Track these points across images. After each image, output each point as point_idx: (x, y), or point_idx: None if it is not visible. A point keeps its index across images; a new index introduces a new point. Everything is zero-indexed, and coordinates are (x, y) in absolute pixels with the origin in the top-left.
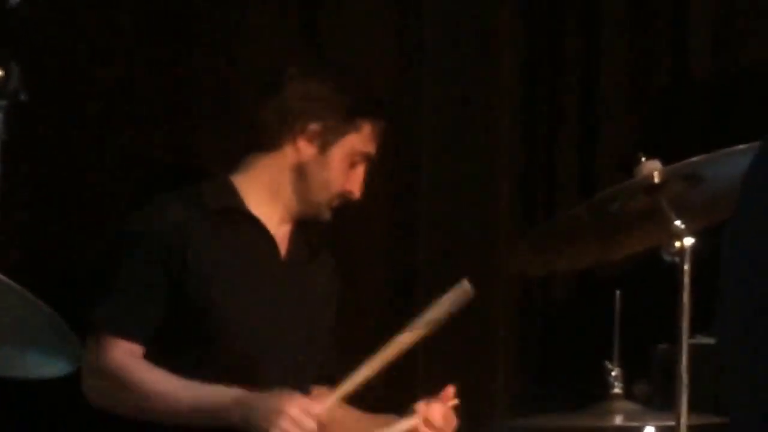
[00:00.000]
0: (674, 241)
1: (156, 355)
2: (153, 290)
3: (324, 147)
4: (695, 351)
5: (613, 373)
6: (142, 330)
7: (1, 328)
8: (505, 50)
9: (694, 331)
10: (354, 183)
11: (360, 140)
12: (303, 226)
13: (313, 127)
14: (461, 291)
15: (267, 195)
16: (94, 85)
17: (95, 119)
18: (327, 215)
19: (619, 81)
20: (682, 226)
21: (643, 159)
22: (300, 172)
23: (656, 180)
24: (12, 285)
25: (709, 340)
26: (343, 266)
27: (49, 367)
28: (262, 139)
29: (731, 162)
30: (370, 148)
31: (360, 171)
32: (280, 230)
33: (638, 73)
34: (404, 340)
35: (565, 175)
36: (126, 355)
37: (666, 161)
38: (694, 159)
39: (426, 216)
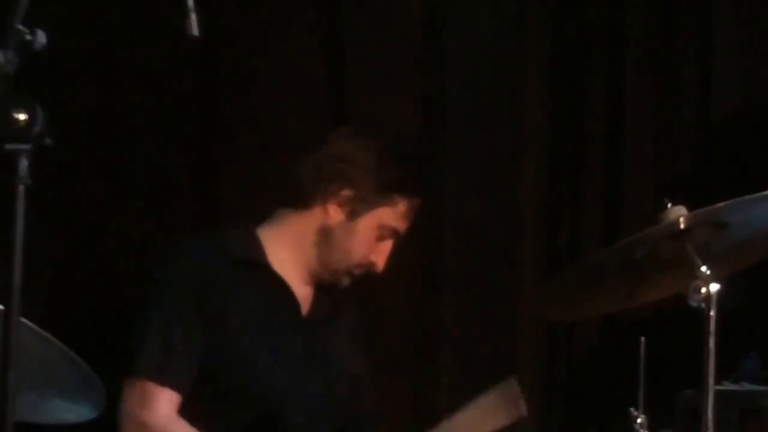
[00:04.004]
0: (700, 287)
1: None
2: (190, 337)
3: (352, 215)
4: (721, 397)
5: (638, 420)
6: (184, 377)
7: (26, 374)
8: (530, 98)
9: (719, 377)
10: (379, 256)
11: (392, 216)
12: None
13: (346, 192)
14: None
15: (289, 252)
16: (120, 128)
17: (120, 162)
18: (345, 283)
19: (644, 126)
20: (708, 272)
21: (669, 205)
22: (324, 236)
23: (682, 226)
24: (37, 331)
25: (735, 387)
26: (366, 309)
27: (73, 412)
28: (294, 195)
29: (757, 208)
30: (401, 225)
31: (387, 245)
32: (302, 289)
33: (664, 119)
34: None
35: (590, 221)
36: (171, 409)
37: (691, 207)
38: (720, 205)
39: (451, 262)
